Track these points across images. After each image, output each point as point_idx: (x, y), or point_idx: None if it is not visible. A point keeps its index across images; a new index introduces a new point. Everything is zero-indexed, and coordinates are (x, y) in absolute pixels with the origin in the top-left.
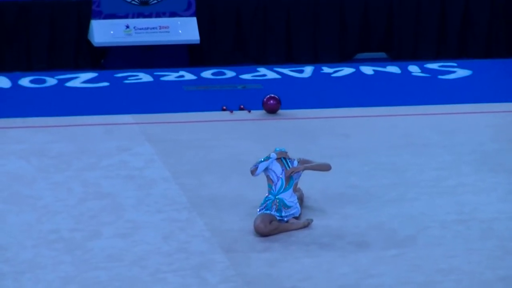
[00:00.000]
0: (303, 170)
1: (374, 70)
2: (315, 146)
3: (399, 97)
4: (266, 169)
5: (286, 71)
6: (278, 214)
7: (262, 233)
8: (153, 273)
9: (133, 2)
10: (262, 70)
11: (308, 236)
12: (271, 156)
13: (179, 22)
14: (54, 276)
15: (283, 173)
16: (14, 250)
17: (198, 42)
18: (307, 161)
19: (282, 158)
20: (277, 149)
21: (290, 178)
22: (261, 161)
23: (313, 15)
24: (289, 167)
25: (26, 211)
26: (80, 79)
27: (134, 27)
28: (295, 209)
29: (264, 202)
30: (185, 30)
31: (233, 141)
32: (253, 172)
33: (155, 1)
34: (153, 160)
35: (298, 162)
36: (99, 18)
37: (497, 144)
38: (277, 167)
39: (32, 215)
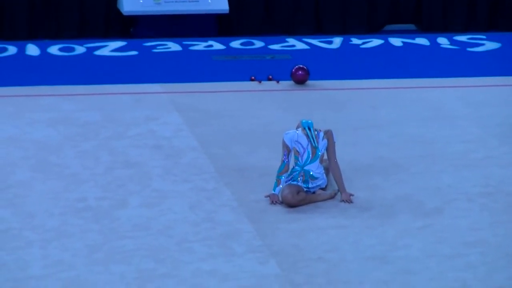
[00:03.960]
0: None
1: (403, 42)
2: (343, 117)
3: (428, 69)
4: (292, 142)
5: (315, 42)
6: (305, 186)
7: (290, 204)
8: (180, 242)
9: None
10: (291, 41)
11: (335, 207)
12: (284, 162)
13: None
14: (81, 244)
15: (309, 144)
16: (41, 218)
17: (227, 12)
18: (331, 136)
19: (307, 129)
20: (304, 121)
21: (316, 149)
22: (275, 185)
23: None
24: (314, 139)
25: (53, 179)
26: (109, 48)
27: None
28: (322, 180)
29: (290, 173)
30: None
31: (262, 111)
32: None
33: None
34: (181, 130)
35: (324, 133)
36: None
37: None
38: (303, 139)
39: (59, 183)
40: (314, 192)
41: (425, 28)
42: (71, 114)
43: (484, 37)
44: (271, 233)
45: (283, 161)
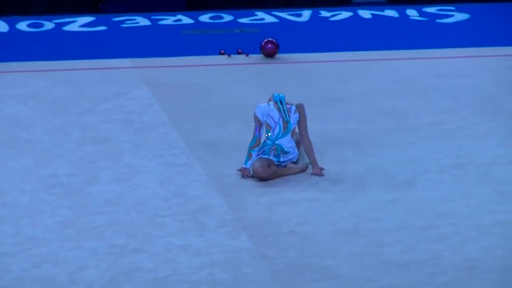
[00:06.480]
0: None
1: (372, 14)
2: (313, 90)
3: (397, 41)
4: (264, 115)
5: (284, 15)
6: (276, 159)
7: (261, 177)
8: (151, 217)
9: None
10: (260, 14)
11: (306, 180)
12: (255, 136)
13: None
14: (52, 220)
15: (280, 118)
16: (12, 194)
17: None
18: (303, 110)
19: (279, 103)
20: (275, 94)
21: (288, 123)
22: (246, 159)
23: None
24: (285, 113)
25: (24, 156)
26: (78, 23)
27: None
28: (293, 154)
29: (262, 147)
30: None
31: (232, 86)
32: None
33: None
34: (151, 104)
35: (296, 107)
36: None
37: (496, 88)
38: (275, 113)
39: (30, 160)
40: (285, 166)
41: (394, 0)
42: (41, 90)
43: (453, 8)
44: (243, 207)
45: (254, 135)
